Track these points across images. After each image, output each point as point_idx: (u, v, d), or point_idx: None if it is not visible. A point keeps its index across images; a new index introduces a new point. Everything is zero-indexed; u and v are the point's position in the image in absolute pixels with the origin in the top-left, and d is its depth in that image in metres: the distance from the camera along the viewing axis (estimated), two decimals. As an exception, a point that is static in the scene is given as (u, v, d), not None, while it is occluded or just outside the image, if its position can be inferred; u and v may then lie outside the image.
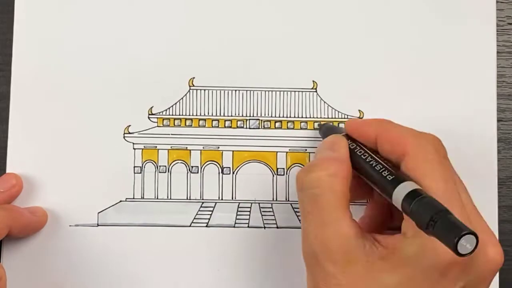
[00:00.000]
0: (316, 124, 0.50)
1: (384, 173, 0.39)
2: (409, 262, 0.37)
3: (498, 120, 0.50)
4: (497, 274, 0.48)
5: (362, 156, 0.41)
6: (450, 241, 0.32)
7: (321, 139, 0.48)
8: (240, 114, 0.50)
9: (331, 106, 0.50)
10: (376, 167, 0.40)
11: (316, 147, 0.49)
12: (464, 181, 0.48)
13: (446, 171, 0.39)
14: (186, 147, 0.50)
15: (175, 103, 0.50)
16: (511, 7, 0.51)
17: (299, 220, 0.48)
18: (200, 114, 0.50)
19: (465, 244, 0.32)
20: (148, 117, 0.49)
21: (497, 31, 0.51)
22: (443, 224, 0.33)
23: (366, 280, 0.37)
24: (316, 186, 0.39)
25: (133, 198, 0.49)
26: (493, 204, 0.49)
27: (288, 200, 0.49)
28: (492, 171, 0.49)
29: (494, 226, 0.49)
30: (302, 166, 0.49)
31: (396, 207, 0.37)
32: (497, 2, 0.51)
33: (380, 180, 0.39)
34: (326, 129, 0.48)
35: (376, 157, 0.41)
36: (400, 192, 0.37)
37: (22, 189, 0.48)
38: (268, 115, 0.50)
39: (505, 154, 0.50)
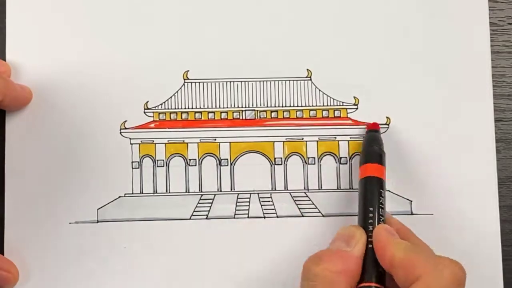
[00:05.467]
0: (310, 113, 0.50)
1: None
2: None
3: (498, 120, 0.50)
4: (501, 274, 0.49)
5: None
6: None
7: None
8: (236, 106, 0.50)
9: (326, 94, 0.50)
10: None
11: (312, 135, 0.50)
12: (464, 182, 0.49)
13: None
14: (183, 141, 0.50)
15: (171, 97, 0.50)
16: (511, 7, 0.51)
17: (299, 209, 0.49)
18: (196, 107, 0.50)
19: None
20: (144, 112, 0.49)
21: (497, 31, 0.51)
22: None
23: None
24: (317, 280, 0.39)
25: (132, 193, 0.49)
26: (493, 204, 0.49)
27: (287, 189, 0.49)
28: (491, 171, 0.49)
29: (494, 226, 0.49)
30: (299, 155, 0.50)
31: None
32: (497, 2, 0.51)
33: None
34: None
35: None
36: None
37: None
38: (264, 105, 0.50)
39: (505, 154, 0.50)
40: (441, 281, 0.37)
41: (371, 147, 0.47)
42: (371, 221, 0.43)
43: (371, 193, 0.44)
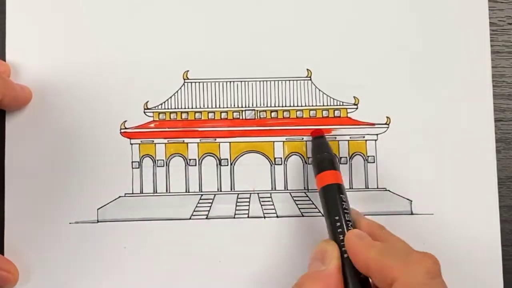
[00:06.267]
0: (310, 113, 0.50)
1: None
2: None
3: (498, 120, 0.50)
4: (501, 274, 0.49)
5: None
6: None
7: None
8: (236, 105, 0.50)
9: (326, 94, 0.50)
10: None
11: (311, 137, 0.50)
12: (464, 182, 0.49)
13: None
14: (183, 141, 0.50)
15: (170, 97, 0.50)
16: (511, 7, 0.51)
17: (299, 209, 0.49)
18: (196, 106, 0.50)
19: None
20: (144, 112, 0.49)
21: (497, 31, 0.51)
22: None
23: None
24: None
25: (132, 193, 0.49)
26: (493, 204, 0.49)
27: (287, 189, 0.49)
28: (491, 171, 0.50)
29: (494, 226, 0.49)
30: (299, 155, 0.50)
31: None
32: (497, 2, 0.51)
33: None
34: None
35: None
36: None
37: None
38: (264, 105, 0.50)
39: (505, 154, 0.50)
40: (416, 278, 0.37)
41: (321, 154, 0.47)
42: (340, 230, 0.43)
43: (333, 201, 0.44)
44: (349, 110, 0.50)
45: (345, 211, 0.43)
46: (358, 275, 0.41)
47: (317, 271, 0.41)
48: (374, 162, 0.49)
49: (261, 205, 0.49)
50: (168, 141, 0.50)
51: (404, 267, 0.38)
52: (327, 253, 0.42)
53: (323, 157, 0.46)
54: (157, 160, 0.49)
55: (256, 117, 0.50)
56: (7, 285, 0.47)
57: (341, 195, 0.44)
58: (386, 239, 0.42)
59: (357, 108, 0.50)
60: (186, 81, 0.50)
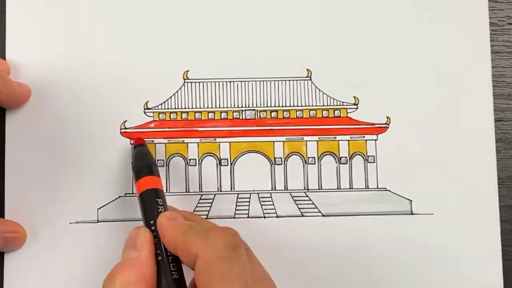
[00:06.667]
0: (310, 113, 0.50)
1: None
2: None
3: (498, 120, 0.50)
4: (501, 274, 0.49)
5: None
6: None
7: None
8: (236, 105, 0.50)
9: (326, 94, 0.50)
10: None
11: (312, 135, 0.50)
12: (464, 182, 0.49)
13: (233, 268, 0.38)
14: (183, 141, 0.50)
15: (170, 97, 0.50)
16: (511, 7, 0.52)
17: (299, 209, 0.49)
18: (196, 106, 0.50)
19: None
20: (144, 112, 0.49)
21: (497, 31, 0.51)
22: None
23: None
24: None
25: (132, 193, 0.49)
26: (493, 204, 0.49)
27: (287, 189, 0.49)
28: (491, 171, 0.50)
29: (494, 226, 0.49)
30: (299, 155, 0.50)
31: None
32: (497, 2, 0.51)
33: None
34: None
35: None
36: None
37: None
38: (264, 105, 0.50)
39: (505, 154, 0.50)
40: (215, 252, 0.38)
41: (140, 161, 0.46)
42: (155, 233, 0.42)
43: (149, 206, 0.44)
44: (349, 110, 0.50)
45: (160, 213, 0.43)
46: (169, 257, 0.41)
47: (129, 258, 0.41)
48: (374, 162, 0.50)
49: (261, 205, 0.49)
50: (168, 141, 0.50)
51: (204, 243, 0.38)
52: (139, 238, 0.42)
53: (142, 164, 0.46)
54: (157, 160, 0.49)
55: (256, 117, 0.50)
56: (17, 244, 0.47)
57: (157, 200, 0.44)
58: (196, 220, 0.43)
59: (357, 108, 0.50)
60: (186, 81, 0.50)
